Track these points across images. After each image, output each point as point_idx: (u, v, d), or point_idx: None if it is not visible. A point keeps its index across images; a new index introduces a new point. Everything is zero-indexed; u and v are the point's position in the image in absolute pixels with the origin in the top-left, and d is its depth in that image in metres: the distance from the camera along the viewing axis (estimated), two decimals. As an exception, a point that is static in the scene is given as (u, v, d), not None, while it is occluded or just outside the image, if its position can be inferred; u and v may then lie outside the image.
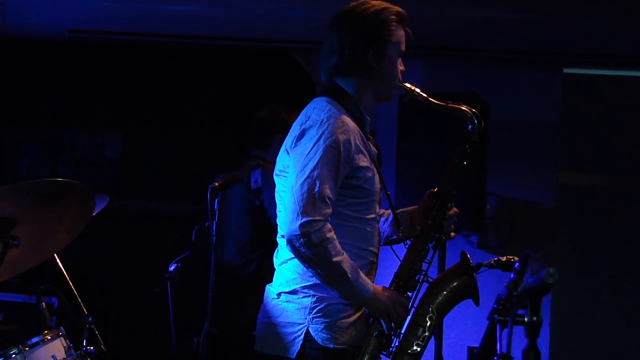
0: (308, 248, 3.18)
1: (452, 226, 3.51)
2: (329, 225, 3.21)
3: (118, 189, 6.94)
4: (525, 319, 2.30)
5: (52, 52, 6.62)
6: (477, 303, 3.44)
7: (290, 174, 3.31)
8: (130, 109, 7.08)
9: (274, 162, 4.83)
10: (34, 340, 3.81)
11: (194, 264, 4.84)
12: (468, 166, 3.51)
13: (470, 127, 3.47)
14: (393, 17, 3.40)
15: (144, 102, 7.07)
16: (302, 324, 3.31)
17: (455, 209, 3.51)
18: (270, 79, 6.85)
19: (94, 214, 4.09)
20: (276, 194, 3.45)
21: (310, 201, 3.18)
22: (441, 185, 3.50)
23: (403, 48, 3.44)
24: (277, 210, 3.43)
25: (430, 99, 3.45)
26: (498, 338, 2.41)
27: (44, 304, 4.42)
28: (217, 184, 4.23)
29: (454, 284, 3.43)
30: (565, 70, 6.23)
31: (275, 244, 3.50)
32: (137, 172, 7.12)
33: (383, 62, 3.39)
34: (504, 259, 3.41)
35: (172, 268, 4.80)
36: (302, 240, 3.18)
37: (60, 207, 3.75)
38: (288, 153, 3.36)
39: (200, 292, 4.39)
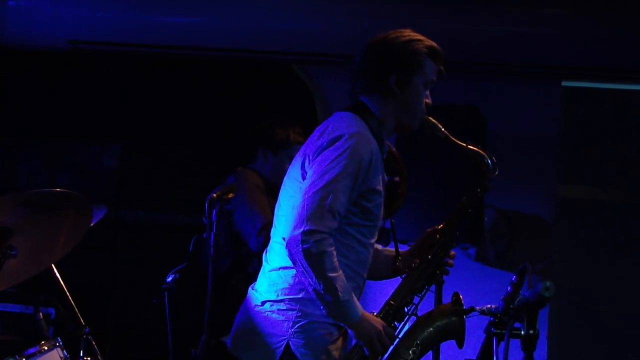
0: (305, 256, 3.19)
1: (448, 269, 3.51)
2: (330, 240, 3.22)
3: (116, 200, 6.94)
4: (522, 332, 2.31)
5: (51, 62, 6.63)
6: (460, 346, 3.41)
7: (307, 179, 3.29)
8: (130, 119, 7.08)
9: (263, 173, 4.88)
10: (31, 350, 3.80)
11: (191, 275, 4.84)
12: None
13: (484, 171, 3.50)
14: (424, 49, 3.43)
15: (143, 112, 7.07)
16: (283, 336, 3.31)
17: (453, 252, 3.51)
18: (270, 91, 6.85)
19: (92, 224, 4.09)
20: (284, 196, 3.43)
21: (319, 211, 3.19)
22: (447, 224, 3.51)
23: (432, 80, 3.46)
24: (281, 214, 3.41)
25: (451, 137, 3.48)
26: (494, 351, 2.41)
27: (41, 314, 4.43)
28: (215, 195, 4.23)
29: (442, 323, 3.42)
30: (564, 83, 6.24)
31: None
32: (135, 182, 7.12)
33: (407, 89, 3.41)
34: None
35: (169, 279, 4.80)
36: (300, 247, 3.18)
37: (58, 218, 3.74)
38: (309, 160, 3.33)
39: (198, 303, 4.39)
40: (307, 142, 3.41)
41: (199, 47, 6.01)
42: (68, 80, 7.00)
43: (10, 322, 5.45)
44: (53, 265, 4.46)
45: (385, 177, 3.47)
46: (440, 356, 5.31)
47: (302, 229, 3.18)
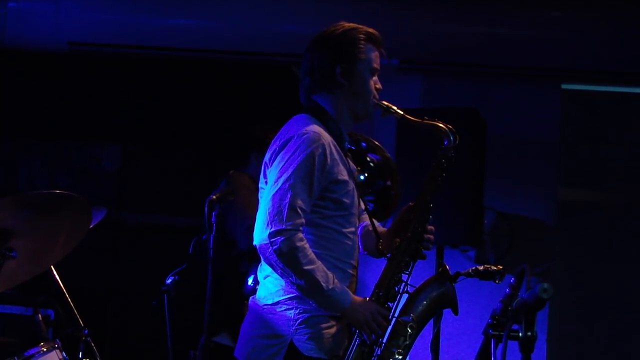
0: (278, 257, 3.26)
1: (429, 244, 3.53)
2: (300, 235, 3.28)
3: (116, 202, 6.94)
4: (520, 334, 2.31)
5: (51, 64, 6.63)
6: (455, 312, 3.50)
7: (267, 185, 3.39)
8: (130, 121, 7.09)
9: (255, 178, 4.88)
10: (30, 352, 3.81)
11: (191, 277, 4.84)
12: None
13: (446, 142, 3.53)
14: (362, 36, 3.51)
15: (143, 115, 7.08)
16: (286, 335, 3.35)
17: (431, 227, 3.54)
18: (270, 93, 6.86)
19: (91, 226, 4.09)
20: (259, 207, 3.50)
21: (279, 211, 3.27)
22: (418, 199, 3.54)
23: (375, 66, 3.53)
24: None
25: (406, 115, 3.52)
26: (492, 353, 2.41)
27: (40, 315, 4.42)
28: (214, 197, 4.23)
29: (433, 294, 3.48)
30: (564, 86, 6.24)
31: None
32: (135, 184, 7.12)
33: (353, 79, 3.49)
34: (481, 267, 3.47)
35: (169, 281, 4.80)
36: (271, 249, 3.26)
37: (58, 219, 3.75)
38: (268, 167, 3.43)
39: (197, 305, 4.39)
40: (268, 150, 3.49)
41: (199, 50, 6.02)
42: (68, 82, 7.01)
43: (9, 323, 5.46)
44: (52, 267, 4.46)
45: (353, 167, 3.51)
46: (440, 358, 5.32)
47: (268, 232, 3.26)
